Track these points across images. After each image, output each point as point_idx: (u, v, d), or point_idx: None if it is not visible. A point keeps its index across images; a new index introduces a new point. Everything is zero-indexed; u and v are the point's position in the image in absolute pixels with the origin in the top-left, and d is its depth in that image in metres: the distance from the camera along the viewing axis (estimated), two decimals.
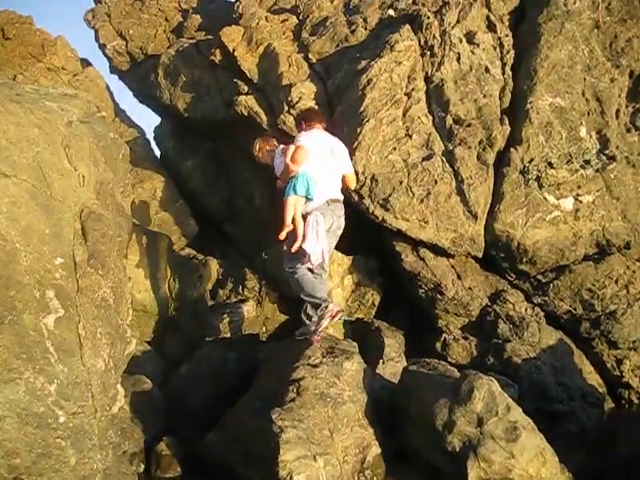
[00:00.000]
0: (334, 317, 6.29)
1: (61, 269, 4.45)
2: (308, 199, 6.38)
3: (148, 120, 14.47)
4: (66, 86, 10.82)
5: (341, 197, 6.77)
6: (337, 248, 7.90)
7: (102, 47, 12.85)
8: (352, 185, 7.23)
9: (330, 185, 6.64)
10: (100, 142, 5.62)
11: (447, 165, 7.64)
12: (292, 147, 6.61)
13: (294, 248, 6.27)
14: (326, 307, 6.19)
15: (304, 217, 6.38)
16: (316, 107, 8.19)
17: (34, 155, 4.66)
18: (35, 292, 4.16)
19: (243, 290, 8.33)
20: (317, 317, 6.26)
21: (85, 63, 12.53)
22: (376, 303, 7.96)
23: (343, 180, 6.91)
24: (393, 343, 7.17)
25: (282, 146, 7.01)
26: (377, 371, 6.42)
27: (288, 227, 6.32)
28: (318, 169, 6.50)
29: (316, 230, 6.30)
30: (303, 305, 6.54)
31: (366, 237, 8.47)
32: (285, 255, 6.57)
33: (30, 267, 4.20)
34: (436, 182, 7.48)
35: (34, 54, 11.89)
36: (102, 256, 4.84)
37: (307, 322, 6.44)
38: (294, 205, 6.35)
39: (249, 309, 7.92)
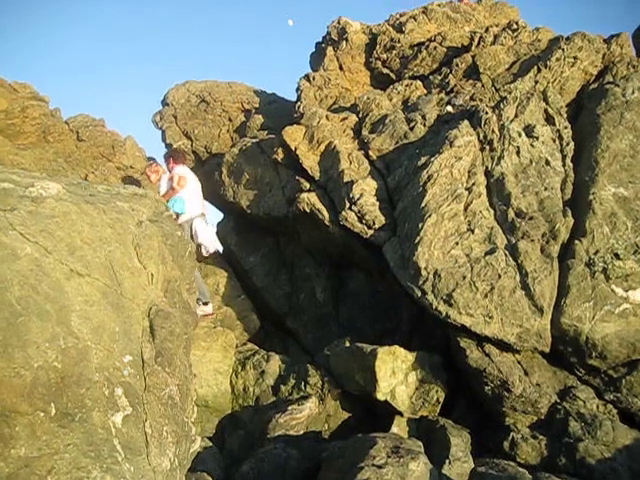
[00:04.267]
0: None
1: (129, 367, 4.49)
2: (180, 214, 9.24)
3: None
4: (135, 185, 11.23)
5: (205, 211, 10.06)
6: (400, 344, 7.85)
7: (168, 147, 13.38)
8: None
9: (199, 203, 9.80)
10: (168, 240, 5.76)
11: (510, 259, 7.57)
12: (176, 176, 9.63)
13: None
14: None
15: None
16: (182, 148, 12.16)
17: (106, 254, 4.80)
18: (104, 390, 4.19)
19: (305, 386, 8.26)
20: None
21: (152, 161, 13.00)
22: (441, 400, 7.75)
23: None
24: (459, 442, 6.95)
25: (168, 174, 10.00)
26: (443, 472, 6.21)
27: None
28: (191, 192, 9.62)
29: (202, 229, 9.53)
30: None
31: (429, 332, 8.39)
32: None
33: (100, 365, 4.25)
34: (500, 276, 7.40)
35: (105, 154, 12.47)
36: (169, 354, 4.88)
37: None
38: None
39: (311, 406, 7.79)
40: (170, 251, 5.69)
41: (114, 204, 5.41)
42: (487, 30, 11.92)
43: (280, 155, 10.53)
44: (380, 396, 7.51)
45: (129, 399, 4.31)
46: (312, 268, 10.60)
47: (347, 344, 8.48)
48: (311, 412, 7.77)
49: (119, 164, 12.66)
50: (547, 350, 7.41)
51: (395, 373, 7.61)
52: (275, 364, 8.81)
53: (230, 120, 13.44)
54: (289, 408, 7.70)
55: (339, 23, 13.66)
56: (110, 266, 4.77)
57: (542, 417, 7.29)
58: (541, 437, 7.10)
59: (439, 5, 13.50)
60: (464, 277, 7.44)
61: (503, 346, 7.41)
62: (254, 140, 11.76)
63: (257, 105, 13.64)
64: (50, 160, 11.80)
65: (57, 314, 4.09)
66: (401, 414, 7.60)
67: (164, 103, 14.15)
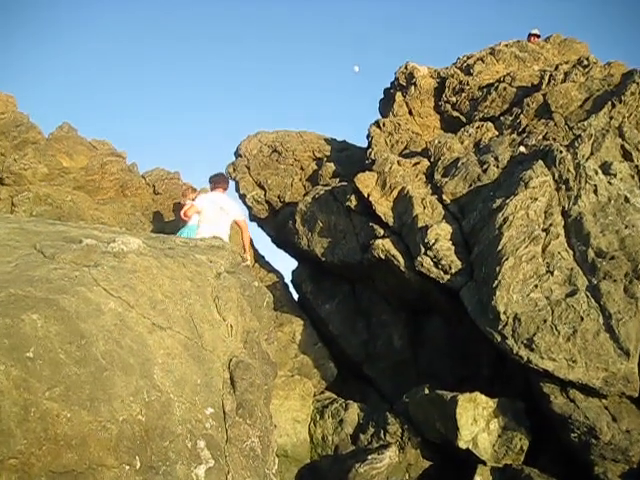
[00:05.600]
0: None
1: (211, 419, 4.52)
2: None
3: (285, 264, 15.03)
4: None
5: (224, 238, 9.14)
6: (480, 390, 7.69)
7: (242, 197, 13.67)
8: (243, 225, 10.26)
9: (213, 231, 8.89)
10: (246, 291, 5.83)
11: (592, 300, 7.35)
12: (187, 205, 9.98)
13: None
14: None
15: None
16: (223, 173, 10.95)
17: (187, 307, 4.88)
18: (187, 442, 4.22)
19: (385, 435, 8.13)
20: None
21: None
22: (525, 448, 7.51)
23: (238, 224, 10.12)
24: None
25: (189, 202, 10.39)
26: None
27: None
28: (205, 221, 9.35)
29: None
30: None
31: (511, 378, 8.19)
32: None
33: (183, 417, 4.29)
34: (582, 319, 7.19)
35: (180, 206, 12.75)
36: (250, 405, 4.89)
37: None
38: None
39: (391, 455, 7.67)
40: (248, 302, 5.75)
41: (192, 257, 5.53)
42: (557, 68, 11.81)
43: (353, 202, 10.59)
44: (462, 444, 7.34)
45: (211, 451, 4.33)
46: (388, 314, 10.55)
47: (426, 391, 8.34)
48: (391, 461, 7.65)
49: None
50: (636, 394, 7.13)
51: (476, 420, 7.44)
52: (354, 412, 8.74)
53: (302, 169, 13.62)
54: (369, 457, 7.60)
55: (407, 68, 13.76)
56: (190, 319, 4.85)
57: (634, 466, 6.95)
58: None
59: (506, 45, 13.50)
60: (545, 320, 7.26)
61: (588, 391, 7.16)
62: (327, 188, 11.87)
63: (328, 153, 13.79)
64: (128, 214, 12.19)
65: (140, 368, 4.17)
66: (484, 463, 7.40)
67: (237, 154, 14.46)
